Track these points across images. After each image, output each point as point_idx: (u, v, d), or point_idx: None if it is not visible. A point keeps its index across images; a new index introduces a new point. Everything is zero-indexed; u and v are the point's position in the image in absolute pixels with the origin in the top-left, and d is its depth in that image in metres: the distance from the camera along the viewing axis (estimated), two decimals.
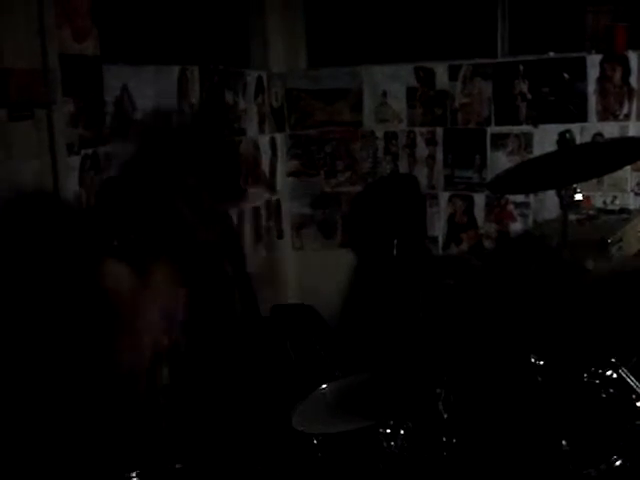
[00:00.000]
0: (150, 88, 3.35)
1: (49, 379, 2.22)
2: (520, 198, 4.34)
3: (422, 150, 4.55)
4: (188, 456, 2.05)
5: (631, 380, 1.87)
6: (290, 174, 4.80)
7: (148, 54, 3.47)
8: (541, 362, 1.98)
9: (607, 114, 4.14)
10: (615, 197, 4.17)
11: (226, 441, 2.11)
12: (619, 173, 4.02)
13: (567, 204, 2.20)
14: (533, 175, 2.27)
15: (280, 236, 4.74)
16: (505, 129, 4.35)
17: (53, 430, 2.21)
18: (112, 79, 3.16)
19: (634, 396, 1.86)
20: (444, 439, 2.05)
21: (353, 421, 2.04)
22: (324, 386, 2.30)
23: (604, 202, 4.18)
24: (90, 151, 3.02)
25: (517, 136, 4.32)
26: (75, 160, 2.94)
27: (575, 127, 4.04)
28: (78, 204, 2.88)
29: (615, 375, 1.89)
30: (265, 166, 4.54)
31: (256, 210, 4.42)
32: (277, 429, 2.10)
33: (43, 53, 2.75)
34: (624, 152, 2.31)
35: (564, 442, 1.91)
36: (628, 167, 4.02)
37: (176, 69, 3.65)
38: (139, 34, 3.45)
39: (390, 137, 4.60)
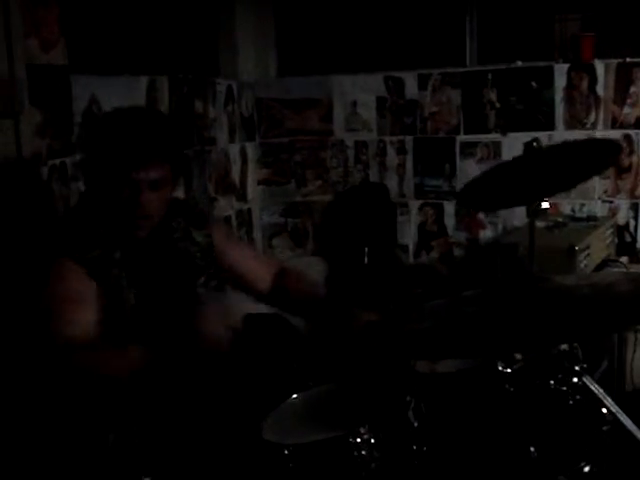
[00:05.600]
0: (119, 98, 3.33)
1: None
2: None
3: (392, 159, 4.57)
4: (157, 469, 2.03)
5: (594, 387, 1.89)
6: (261, 183, 4.80)
7: (117, 64, 3.46)
8: (508, 370, 1.99)
9: (574, 122, 4.18)
10: (583, 205, 4.22)
11: (196, 452, 2.10)
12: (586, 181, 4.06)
13: (534, 212, 2.21)
14: (501, 188, 2.29)
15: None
16: (474, 137, 4.38)
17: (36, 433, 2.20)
18: (80, 89, 3.14)
19: (600, 403, 1.88)
20: (415, 447, 2.05)
21: (324, 431, 2.03)
22: (295, 396, 2.30)
23: (572, 209, 4.23)
24: (58, 162, 3.00)
25: (486, 144, 4.35)
26: (42, 171, 2.92)
27: (543, 135, 4.08)
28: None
29: (581, 382, 1.91)
30: (236, 175, 4.54)
31: (227, 219, 4.42)
32: (247, 439, 2.09)
33: (10, 63, 2.73)
34: (592, 158, 2.33)
35: (532, 449, 1.92)
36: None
37: (145, 79, 3.64)
38: (107, 44, 3.43)
39: (360, 146, 4.62)
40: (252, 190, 4.73)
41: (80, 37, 3.19)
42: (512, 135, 4.24)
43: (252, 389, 2.36)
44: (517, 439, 1.95)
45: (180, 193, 3.87)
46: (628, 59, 4.05)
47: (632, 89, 4.07)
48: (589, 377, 1.92)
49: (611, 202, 4.19)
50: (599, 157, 2.36)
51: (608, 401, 1.89)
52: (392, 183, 4.59)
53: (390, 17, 4.59)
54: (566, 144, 2.41)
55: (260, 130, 4.76)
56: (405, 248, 4.61)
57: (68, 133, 3.06)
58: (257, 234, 4.81)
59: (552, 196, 2.23)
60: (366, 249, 4.20)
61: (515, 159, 2.19)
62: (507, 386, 1.99)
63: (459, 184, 4.38)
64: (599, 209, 4.20)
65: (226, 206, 4.41)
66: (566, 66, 4.16)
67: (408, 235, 4.61)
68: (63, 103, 3.04)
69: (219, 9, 4.50)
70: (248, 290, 2.59)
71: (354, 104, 4.60)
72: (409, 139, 4.54)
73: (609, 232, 4.01)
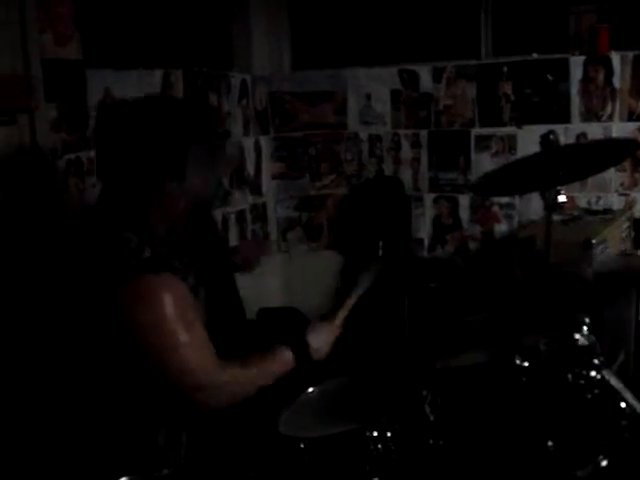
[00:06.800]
0: (133, 92, 3.34)
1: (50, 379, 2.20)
2: (505, 199, 4.35)
3: (407, 152, 4.56)
4: (176, 461, 2.04)
5: (614, 381, 1.88)
6: (275, 177, 4.80)
7: (131, 58, 3.46)
8: (525, 363, 1.98)
9: (590, 115, 4.16)
10: (599, 198, 4.19)
11: (213, 446, 2.10)
12: (603, 174, 4.04)
13: (551, 205, 2.21)
14: (517, 177, 2.28)
15: (266, 239, 4.73)
16: (489, 130, 4.36)
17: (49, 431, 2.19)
18: (95, 83, 3.15)
19: (618, 397, 1.87)
20: (431, 441, 2.05)
21: (340, 424, 2.03)
22: (311, 390, 2.30)
23: (588, 203, 4.20)
24: (73, 156, 3.01)
25: (501, 137, 4.33)
26: (58, 165, 2.93)
27: (559, 128, 4.06)
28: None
29: (599, 376, 1.90)
30: (250, 169, 4.54)
31: (241, 213, 4.42)
32: (264, 433, 2.09)
33: (25, 58, 2.74)
34: (608, 154, 2.32)
35: (550, 443, 1.92)
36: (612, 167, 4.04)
37: (159, 72, 3.64)
38: (122, 38, 3.43)
39: (375, 139, 4.61)
40: (266, 184, 4.73)
41: (94, 31, 3.19)
42: (527, 128, 4.21)
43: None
44: (534, 433, 1.94)
45: None
46: None
47: None
48: (609, 370, 1.91)
49: (627, 195, 4.16)
50: (616, 153, 2.35)
51: (627, 395, 1.88)
52: (406, 176, 4.58)
53: (404, 9, 4.57)
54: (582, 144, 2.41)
55: (274, 124, 4.75)
56: (420, 242, 4.60)
57: (83, 127, 3.07)
58: (272, 228, 4.80)
59: (567, 184, 2.22)
60: (381, 243, 4.19)
61: (532, 156, 2.19)
62: (524, 380, 1.98)
63: (474, 177, 4.37)
64: (615, 202, 4.17)
65: (241, 200, 4.41)
66: (582, 58, 4.13)
67: (423, 229, 4.59)
68: (78, 97, 3.05)
69: (233, 2, 4.50)
70: None
71: (368, 97, 4.59)
72: (424, 132, 4.52)
73: (625, 225, 3.98)
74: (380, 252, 4.13)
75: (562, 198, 2.19)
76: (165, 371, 1.89)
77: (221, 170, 2.15)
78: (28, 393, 2.33)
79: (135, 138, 1.96)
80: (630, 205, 4.15)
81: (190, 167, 1.99)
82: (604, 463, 1.88)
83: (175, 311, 1.87)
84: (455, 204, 4.51)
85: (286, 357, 2.09)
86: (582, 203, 4.19)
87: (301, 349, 2.13)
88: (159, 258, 1.92)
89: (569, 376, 1.95)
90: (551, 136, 2.19)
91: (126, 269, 1.86)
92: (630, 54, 4.05)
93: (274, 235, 4.83)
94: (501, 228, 4.41)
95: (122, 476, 1.85)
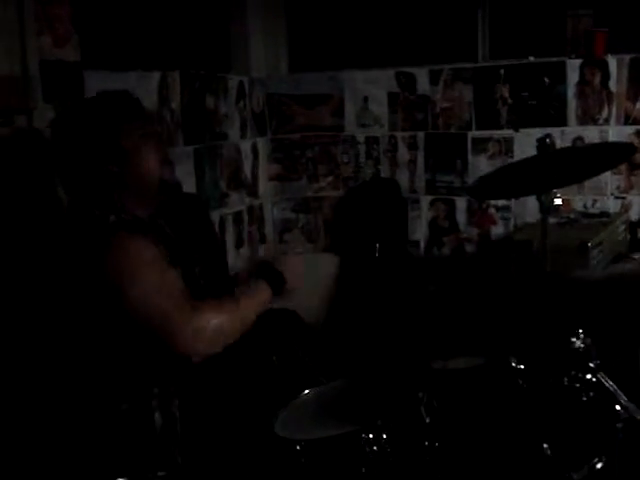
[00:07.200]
0: None
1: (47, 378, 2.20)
2: (501, 202, 4.36)
3: (403, 155, 4.57)
4: (172, 463, 2.04)
5: (609, 384, 1.89)
6: (272, 178, 4.80)
7: (129, 59, 3.46)
8: (521, 366, 1.99)
9: (587, 118, 4.17)
10: (595, 201, 4.20)
11: (209, 447, 2.11)
12: (599, 177, 4.05)
13: (547, 208, 2.21)
14: (513, 180, 2.29)
15: (263, 241, 4.74)
16: (486, 133, 4.37)
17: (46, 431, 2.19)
18: (93, 85, 3.14)
19: (613, 399, 1.88)
20: (426, 443, 2.05)
21: (336, 426, 2.04)
22: (307, 391, 2.30)
23: (584, 206, 4.21)
24: None
25: (498, 140, 4.34)
26: None
27: (555, 131, 4.07)
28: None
29: (595, 379, 1.91)
30: (247, 170, 4.54)
31: (238, 214, 4.42)
32: (260, 435, 2.10)
33: (23, 59, 2.74)
34: (604, 157, 2.33)
35: (546, 445, 1.92)
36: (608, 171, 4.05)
37: (157, 74, 3.65)
38: (120, 40, 3.44)
39: (371, 142, 4.62)
40: (263, 185, 4.73)
41: (92, 33, 3.19)
42: (524, 131, 4.22)
43: (264, 385, 2.37)
44: (530, 435, 1.95)
45: (192, 188, 3.89)
46: None
47: None
48: (603, 373, 1.92)
49: (623, 198, 4.17)
50: (612, 156, 2.36)
51: (622, 398, 1.88)
52: (403, 179, 4.59)
53: (402, 12, 4.58)
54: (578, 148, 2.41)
55: (271, 126, 4.76)
56: (416, 244, 4.61)
57: None
58: (268, 230, 4.81)
59: (563, 187, 2.23)
60: (377, 245, 4.20)
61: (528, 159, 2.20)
62: (520, 382, 1.99)
63: (470, 180, 4.37)
64: (611, 205, 4.18)
65: (237, 201, 4.41)
66: (579, 61, 4.14)
67: (419, 231, 4.60)
68: (76, 99, 3.05)
69: (230, 5, 4.51)
70: None
71: (365, 100, 4.60)
72: (420, 135, 4.53)
73: (621, 228, 3.99)
74: (377, 254, 4.14)
75: (558, 201, 2.20)
76: (147, 318, 1.92)
77: (165, 155, 2.21)
78: (23, 378, 2.34)
79: (69, 135, 2.09)
80: (626, 208, 4.16)
81: (133, 152, 2.08)
82: (599, 465, 1.89)
83: (141, 258, 1.95)
84: (452, 206, 4.52)
85: (263, 287, 2.19)
86: (578, 206, 4.21)
87: (275, 278, 2.21)
88: (125, 222, 2.03)
89: (565, 379, 1.95)
90: (547, 140, 2.20)
91: (94, 231, 1.98)
92: (626, 57, 4.06)
93: (271, 236, 4.83)
94: (497, 231, 4.42)
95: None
